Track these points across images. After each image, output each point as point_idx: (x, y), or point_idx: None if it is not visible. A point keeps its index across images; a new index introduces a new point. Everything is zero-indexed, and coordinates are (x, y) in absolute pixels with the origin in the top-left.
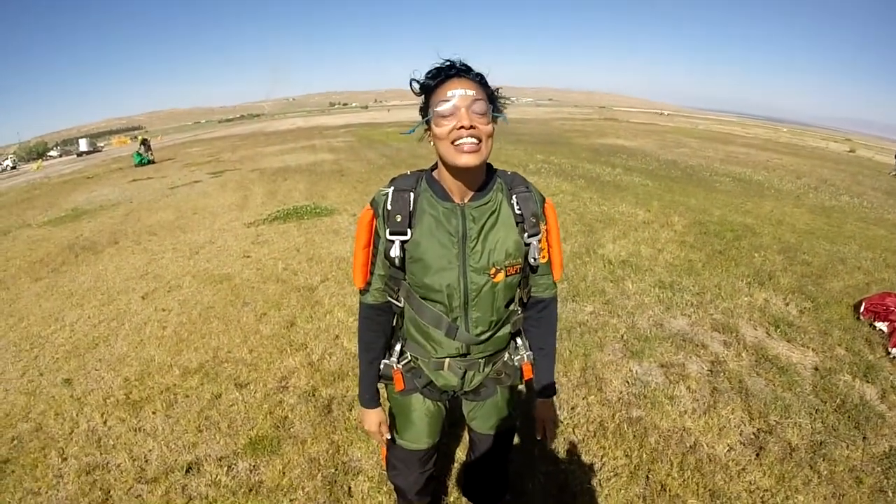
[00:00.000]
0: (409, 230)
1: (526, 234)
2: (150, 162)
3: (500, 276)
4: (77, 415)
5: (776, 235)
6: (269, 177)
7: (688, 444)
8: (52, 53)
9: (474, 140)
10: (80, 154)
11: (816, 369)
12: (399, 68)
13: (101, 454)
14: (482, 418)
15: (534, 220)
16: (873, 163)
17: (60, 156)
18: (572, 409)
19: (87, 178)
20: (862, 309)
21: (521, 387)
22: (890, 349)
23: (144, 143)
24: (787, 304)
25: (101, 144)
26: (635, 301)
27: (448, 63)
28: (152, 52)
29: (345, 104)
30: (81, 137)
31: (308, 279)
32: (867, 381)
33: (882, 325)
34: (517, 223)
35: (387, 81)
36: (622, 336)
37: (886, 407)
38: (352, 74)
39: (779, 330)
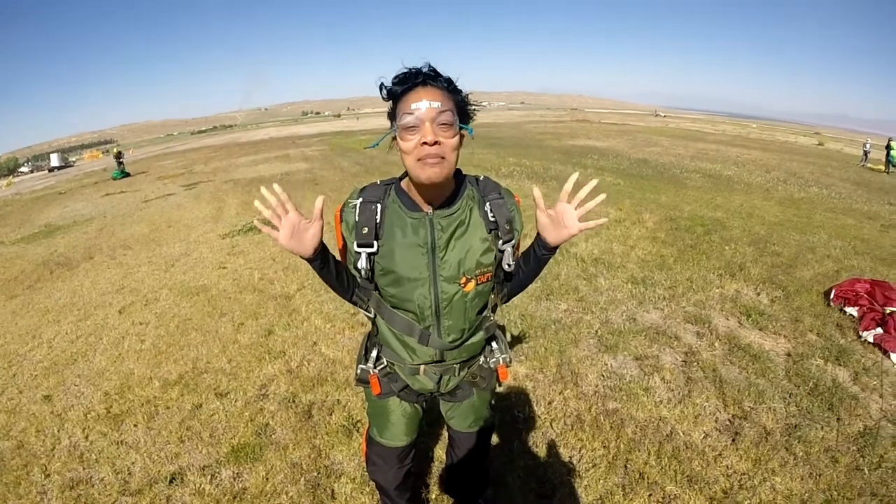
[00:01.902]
0: (375, 242)
1: (500, 241)
2: (127, 174)
3: (471, 286)
4: (58, 431)
5: (746, 228)
6: (243, 187)
7: (664, 433)
8: (21, 68)
9: (438, 156)
10: (51, 169)
11: (789, 355)
12: (371, 76)
13: (83, 469)
14: (460, 417)
15: (508, 227)
16: (842, 155)
17: (31, 171)
18: (549, 403)
19: (59, 193)
20: (832, 295)
21: (500, 388)
22: (861, 333)
23: (118, 155)
24: (759, 294)
25: (73, 159)
26: (608, 297)
27: (414, 70)
28: (123, 64)
29: (317, 113)
30: (53, 152)
31: (284, 288)
32: (839, 365)
33: (852, 310)
34: (490, 230)
35: (359, 89)
36: (596, 331)
37: (859, 388)
38: (324, 83)
39: (750, 319)
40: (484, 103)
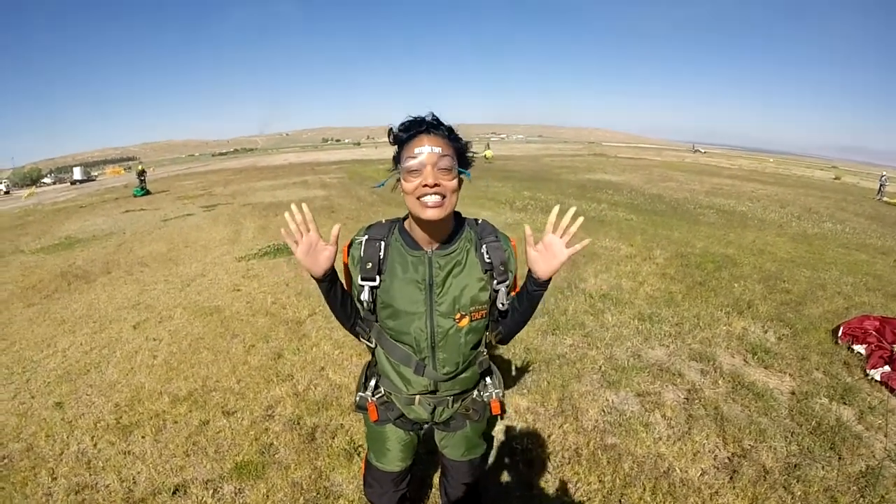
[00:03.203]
0: (377, 277)
1: (495, 282)
2: (147, 192)
3: (465, 322)
4: (68, 437)
5: (757, 265)
6: (261, 212)
7: (661, 469)
8: (49, 80)
9: (438, 197)
10: (73, 182)
11: (793, 394)
12: (392, 105)
13: (90, 475)
14: (453, 447)
15: (502, 269)
16: (858, 189)
17: (54, 183)
18: (548, 436)
19: (80, 206)
20: (840, 333)
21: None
22: (868, 371)
23: (141, 172)
24: (766, 332)
25: (96, 173)
26: (614, 333)
27: (419, 119)
28: (149, 83)
29: (338, 140)
30: (76, 165)
31: (296, 313)
32: (844, 404)
33: (860, 348)
34: (486, 271)
35: (379, 118)
36: (600, 367)
37: (864, 427)
38: (345, 111)
39: (756, 357)
40: (502, 135)
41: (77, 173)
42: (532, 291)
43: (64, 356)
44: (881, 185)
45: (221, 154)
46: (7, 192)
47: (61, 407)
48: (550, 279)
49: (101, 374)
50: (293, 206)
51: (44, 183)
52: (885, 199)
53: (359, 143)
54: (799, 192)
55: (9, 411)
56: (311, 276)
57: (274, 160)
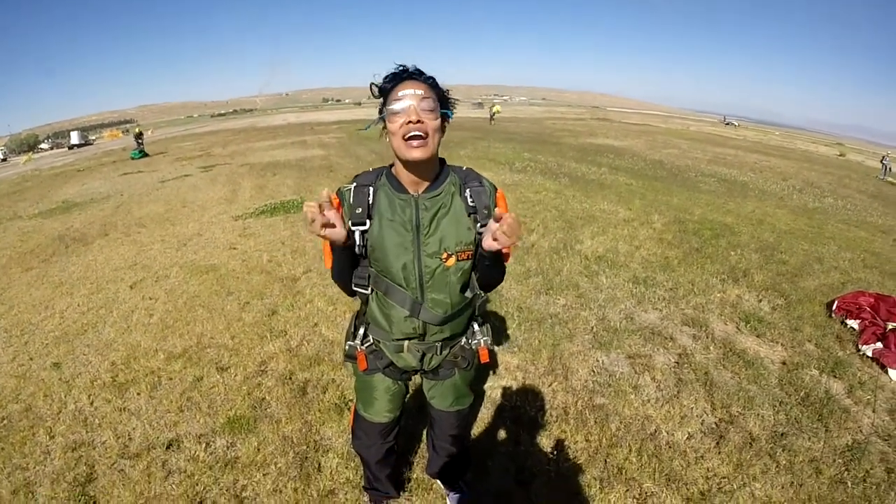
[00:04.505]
0: (367, 221)
1: (479, 224)
2: (145, 154)
3: (452, 261)
4: (65, 396)
5: (755, 235)
6: (259, 171)
7: (648, 431)
8: (44, 46)
9: (422, 134)
10: (71, 147)
11: (784, 364)
12: (393, 65)
13: (86, 432)
14: (440, 397)
15: (486, 212)
16: (862, 167)
17: (52, 148)
18: (537, 395)
19: (78, 171)
20: (834, 307)
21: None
22: (860, 346)
23: (139, 135)
24: (760, 301)
25: (93, 138)
26: (608, 295)
27: (402, 68)
28: (145, 45)
29: (338, 100)
30: (73, 130)
31: (291, 270)
32: (834, 377)
33: (853, 323)
34: (470, 214)
35: (380, 78)
36: (592, 328)
37: (852, 402)
38: (345, 70)
39: (749, 325)
40: (505, 97)
41: (74, 138)
42: (479, 256)
43: (62, 318)
44: (885, 166)
45: (220, 115)
46: (4, 160)
47: (59, 367)
48: (498, 254)
49: (98, 333)
50: (307, 203)
51: (41, 148)
52: (888, 178)
53: (359, 104)
54: (802, 166)
55: (8, 373)
56: (337, 244)
57: (273, 120)
